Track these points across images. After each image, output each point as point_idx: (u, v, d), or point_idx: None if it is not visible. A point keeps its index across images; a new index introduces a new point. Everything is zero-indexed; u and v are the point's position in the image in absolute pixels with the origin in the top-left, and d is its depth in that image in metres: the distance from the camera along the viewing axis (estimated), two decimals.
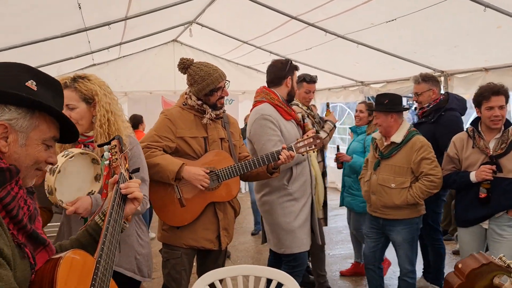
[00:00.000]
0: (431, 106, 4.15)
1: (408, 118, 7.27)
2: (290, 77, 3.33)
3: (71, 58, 6.95)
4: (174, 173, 2.58)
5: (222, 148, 2.84)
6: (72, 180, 2.09)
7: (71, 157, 2.02)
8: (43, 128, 1.30)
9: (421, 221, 3.68)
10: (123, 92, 9.11)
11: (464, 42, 5.15)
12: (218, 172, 2.71)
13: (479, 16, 4.17)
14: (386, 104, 3.54)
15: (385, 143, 3.59)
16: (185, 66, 2.80)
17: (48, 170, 1.99)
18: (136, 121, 6.54)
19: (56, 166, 1.98)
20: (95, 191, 2.19)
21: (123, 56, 8.88)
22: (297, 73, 3.48)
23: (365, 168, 3.89)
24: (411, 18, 4.73)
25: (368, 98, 8.48)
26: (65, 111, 2.19)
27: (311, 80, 4.38)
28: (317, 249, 4.11)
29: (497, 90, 3.16)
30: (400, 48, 5.97)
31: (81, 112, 2.29)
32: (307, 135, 2.96)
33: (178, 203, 2.68)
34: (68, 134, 1.40)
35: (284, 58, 3.51)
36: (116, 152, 1.80)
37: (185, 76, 2.83)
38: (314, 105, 9.03)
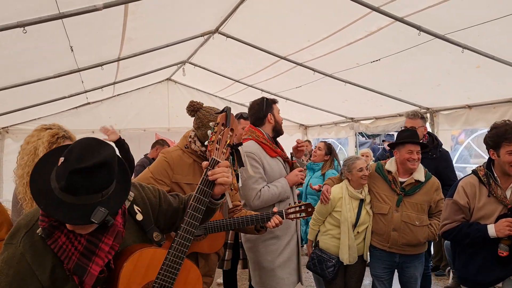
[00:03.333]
0: (424, 143, 4.30)
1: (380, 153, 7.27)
2: (270, 113, 3.38)
3: (65, 97, 7.06)
4: None
5: None
6: None
7: None
8: None
9: None
10: (117, 130, 9.17)
11: (446, 81, 5.32)
12: (206, 224, 2.68)
13: (458, 56, 4.34)
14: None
15: (403, 179, 3.54)
16: (194, 109, 2.81)
17: None
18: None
19: None
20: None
21: (117, 95, 9.02)
22: (277, 105, 3.48)
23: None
24: (394, 58, 4.90)
25: (361, 134, 8.62)
26: None
27: (247, 116, 4.48)
28: None
29: None
30: (386, 86, 6.13)
31: None
32: (299, 205, 2.93)
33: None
34: None
35: (259, 98, 3.51)
36: (216, 131, 1.79)
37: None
38: (309, 141, 9.17)
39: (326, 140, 10.65)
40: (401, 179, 3.55)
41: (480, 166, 2.99)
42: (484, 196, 2.84)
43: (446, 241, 5.36)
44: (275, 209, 2.83)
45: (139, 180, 2.64)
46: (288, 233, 3.33)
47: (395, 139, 3.87)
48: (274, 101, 3.45)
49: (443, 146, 4.64)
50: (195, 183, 2.66)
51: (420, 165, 3.57)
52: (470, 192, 2.89)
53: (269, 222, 2.77)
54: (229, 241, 3.93)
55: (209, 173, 1.72)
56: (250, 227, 2.86)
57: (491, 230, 2.74)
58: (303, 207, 2.87)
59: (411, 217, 3.45)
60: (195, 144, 2.76)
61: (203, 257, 2.79)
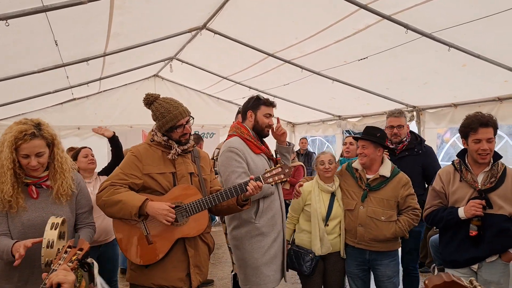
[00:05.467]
0: (408, 140, 4.34)
1: None
2: (251, 111, 3.36)
3: (49, 93, 6.95)
4: (137, 208, 2.51)
5: (192, 183, 2.80)
6: None
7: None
8: None
9: None
10: (104, 126, 9.08)
11: (433, 79, 5.35)
12: (185, 206, 2.67)
13: (445, 55, 4.38)
14: (379, 137, 3.56)
15: (369, 175, 3.60)
16: (149, 101, 2.82)
17: (49, 225, 2.18)
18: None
19: (57, 223, 2.20)
20: (59, 248, 2.30)
21: (104, 91, 8.93)
22: (268, 108, 3.37)
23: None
24: (381, 56, 4.92)
25: (348, 131, 8.66)
26: (34, 159, 2.37)
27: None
28: None
29: (486, 122, 2.91)
30: (373, 84, 6.16)
31: (46, 156, 2.45)
32: (275, 167, 2.87)
33: (145, 241, 2.63)
34: None
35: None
36: (61, 251, 1.94)
37: None
38: (305, 138, 9.18)
39: (314, 137, 10.70)
40: (368, 176, 3.63)
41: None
42: (457, 181, 3.08)
43: (431, 237, 5.42)
44: (251, 177, 2.77)
45: (111, 179, 2.68)
46: (274, 230, 3.32)
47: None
48: (265, 103, 3.37)
49: (429, 144, 4.67)
50: (168, 172, 2.72)
51: (387, 161, 3.66)
52: (445, 179, 3.14)
53: (247, 189, 2.72)
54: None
55: (46, 281, 1.76)
56: (232, 203, 2.84)
57: (461, 212, 2.96)
58: (279, 169, 2.81)
59: (376, 212, 3.51)
60: (157, 136, 2.80)
61: (191, 245, 2.75)
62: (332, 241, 3.71)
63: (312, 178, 3.99)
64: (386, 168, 3.59)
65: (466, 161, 3.06)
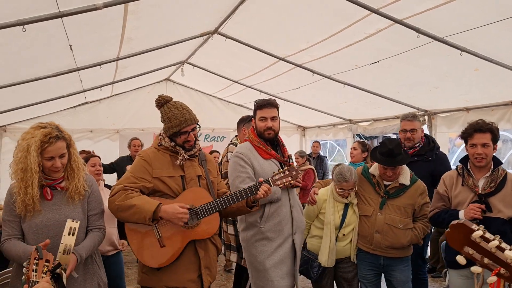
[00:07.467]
0: (421, 145, 4.30)
1: None
2: (253, 118, 3.44)
3: (63, 96, 7.05)
4: (151, 213, 2.53)
5: (200, 186, 2.84)
6: None
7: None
8: None
9: None
10: (115, 130, 9.20)
11: (444, 83, 5.33)
12: (197, 209, 2.70)
13: (457, 59, 4.36)
14: (403, 154, 3.54)
15: (388, 182, 3.59)
16: (160, 103, 2.85)
17: (67, 230, 2.29)
18: None
19: (74, 228, 2.29)
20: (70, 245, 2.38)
21: (116, 94, 9.03)
22: (263, 110, 3.34)
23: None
24: (392, 60, 4.92)
25: (359, 135, 8.64)
26: (58, 160, 2.45)
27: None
28: None
29: (480, 128, 3.02)
30: (384, 88, 6.15)
31: (67, 157, 2.52)
32: (283, 170, 2.94)
33: (158, 244, 2.67)
34: None
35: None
36: (30, 263, 2.05)
37: None
38: (318, 142, 9.18)
39: (324, 141, 10.67)
40: (386, 182, 3.61)
41: None
42: (459, 186, 3.19)
43: (442, 243, 5.37)
44: (260, 179, 2.84)
45: (122, 182, 2.70)
46: (280, 236, 3.29)
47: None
48: (258, 107, 3.37)
49: (441, 149, 4.60)
50: (177, 175, 2.76)
51: (406, 168, 3.63)
52: (449, 183, 3.26)
53: (258, 192, 2.79)
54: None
55: None
56: (241, 205, 2.88)
57: (461, 214, 3.04)
58: (287, 172, 2.90)
59: (394, 220, 3.51)
60: (165, 141, 2.82)
61: (201, 247, 2.78)
62: (344, 247, 3.68)
63: (325, 181, 3.97)
64: (405, 177, 3.57)
65: (468, 167, 3.17)
